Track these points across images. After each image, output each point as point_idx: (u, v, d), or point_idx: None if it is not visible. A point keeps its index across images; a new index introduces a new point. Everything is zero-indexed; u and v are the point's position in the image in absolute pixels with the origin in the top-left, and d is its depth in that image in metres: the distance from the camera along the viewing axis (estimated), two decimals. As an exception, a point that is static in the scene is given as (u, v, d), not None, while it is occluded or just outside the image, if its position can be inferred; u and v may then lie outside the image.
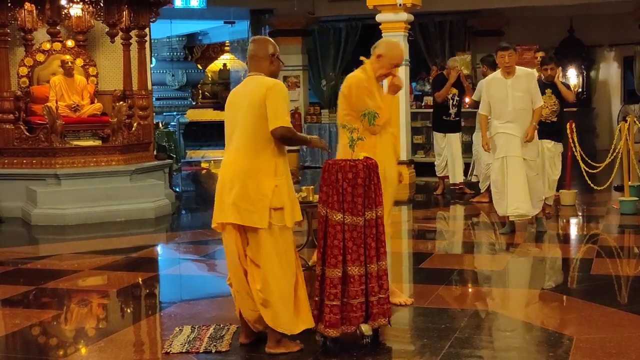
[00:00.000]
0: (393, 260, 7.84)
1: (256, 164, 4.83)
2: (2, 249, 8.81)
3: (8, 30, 10.93)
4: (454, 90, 11.98)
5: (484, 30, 17.78)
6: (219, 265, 8.11)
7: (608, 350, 4.89)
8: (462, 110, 12.57)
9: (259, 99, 4.83)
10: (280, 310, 4.86)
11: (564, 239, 9.22)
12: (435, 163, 12.37)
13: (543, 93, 8.98)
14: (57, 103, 11.01)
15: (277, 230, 4.84)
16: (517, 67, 8.61)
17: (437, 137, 12.32)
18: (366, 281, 4.96)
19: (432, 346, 5.07)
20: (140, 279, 7.46)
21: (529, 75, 8.63)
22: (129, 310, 6.63)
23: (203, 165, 19.19)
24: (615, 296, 6.48)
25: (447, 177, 12.26)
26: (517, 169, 8.44)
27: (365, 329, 4.99)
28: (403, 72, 13.70)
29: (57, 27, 11.65)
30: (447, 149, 12.06)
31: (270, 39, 5.19)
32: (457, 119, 12.15)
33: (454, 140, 12.12)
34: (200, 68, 25.07)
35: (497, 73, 8.72)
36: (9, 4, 10.65)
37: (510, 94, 8.45)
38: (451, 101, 11.99)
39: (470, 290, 6.80)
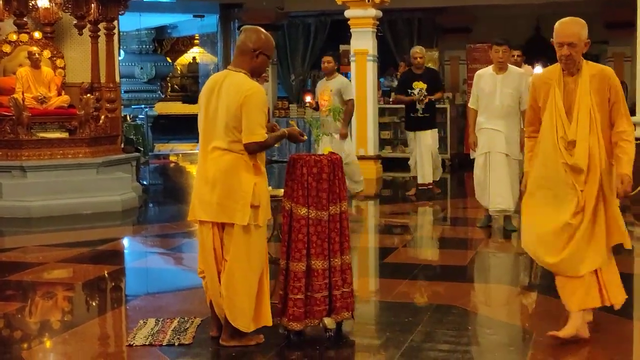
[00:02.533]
0: (358, 255, 7.92)
1: (237, 162, 4.80)
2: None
3: (-26, 21, 10.85)
4: (421, 85, 11.22)
5: (451, 27, 17.88)
6: (186, 258, 8.15)
7: (566, 346, 4.97)
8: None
9: (235, 108, 4.74)
10: (240, 306, 4.86)
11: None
12: (409, 162, 11.81)
13: None
14: (23, 95, 10.93)
15: (252, 228, 4.83)
16: (509, 65, 8.57)
17: (408, 135, 11.85)
18: (330, 275, 5.00)
19: (395, 340, 5.13)
20: (106, 272, 7.45)
21: (522, 75, 8.59)
22: (94, 303, 6.63)
23: (171, 158, 19.15)
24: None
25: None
26: (500, 164, 8.45)
27: (329, 322, 5.03)
28: (371, 68, 13.84)
29: (24, 19, 11.56)
30: (417, 148, 11.43)
31: (262, 31, 4.97)
32: (426, 115, 11.31)
33: (423, 138, 11.32)
34: (170, 61, 24.97)
35: (489, 68, 8.65)
36: (-25, -5, 10.57)
37: (499, 89, 8.41)
38: (417, 96, 11.20)
39: (433, 285, 6.87)
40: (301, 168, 4.93)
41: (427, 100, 11.17)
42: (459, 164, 15.31)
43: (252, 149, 4.79)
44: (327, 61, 10.51)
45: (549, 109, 5.00)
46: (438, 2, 16.63)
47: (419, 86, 11.18)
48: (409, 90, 11.22)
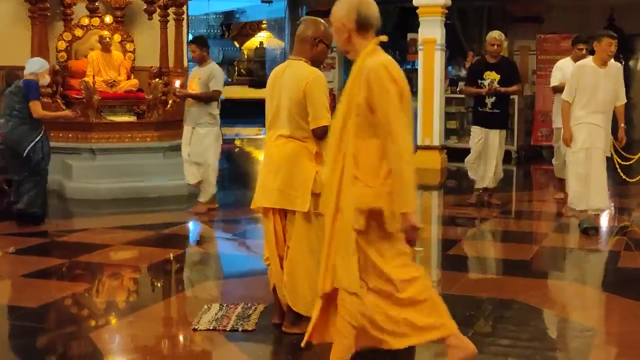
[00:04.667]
0: (421, 246, 7.89)
1: (300, 150, 4.83)
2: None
3: (48, 5, 11.05)
4: (493, 76, 9.74)
5: (522, 16, 17.63)
6: (251, 244, 8.22)
7: (629, 343, 4.90)
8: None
9: (297, 95, 4.79)
10: (302, 291, 4.89)
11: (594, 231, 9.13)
12: (466, 159, 10.22)
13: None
14: (94, 78, 11.12)
15: (313, 216, 4.83)
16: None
17: (473, 130, 10.09)
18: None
19: (456, 333, 5.10)
20: (171, 255, 7.56)
21: (619, 69, 8.32)
22: (159, 286, 6.75)
23: (236, 142, 19.30)
24: (641, 290, 6.48)
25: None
26: (600, 161, 8.16)
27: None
28: (439, 57, 13.72)
29: (96, 3, 11.76)
30: (485, 147, 9.87)
31: (321, 21, 4.97)
32: (496, 111, 9.75)
33: (491, 137, 9.81)
34: (237, 45, 25.16)
35: (589, 61, 8.27)
36: (50, -21, 10.78)
37: (602, 84, 8.10)
38: (487, 88, 9.71)
39: (496, 279, 6.82)
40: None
41: (496, 90, 9.65)
42: (525, 156, 15.13)
43: (321, 133, 4.79)
44: (192, 50, 9.38)
45: None
46: (510, -9, 16.41)
47: (491, 77, 9.74)
48: (480, 81, 9.80)
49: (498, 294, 6.11)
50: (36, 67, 8.65)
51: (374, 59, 3.88)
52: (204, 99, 9.16)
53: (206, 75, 9.18)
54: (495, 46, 9.71)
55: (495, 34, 9.79)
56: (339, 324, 4.03)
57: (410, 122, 4.00)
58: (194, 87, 9.24)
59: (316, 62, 5.01)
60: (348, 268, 3.92)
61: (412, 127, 4.08)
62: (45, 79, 8.86)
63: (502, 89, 9.66)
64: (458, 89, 15.32)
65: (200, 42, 9.37)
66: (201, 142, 9.22)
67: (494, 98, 9.68)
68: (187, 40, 12.62)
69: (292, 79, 4.86)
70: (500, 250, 8.17)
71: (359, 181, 3.88)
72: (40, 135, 8.49)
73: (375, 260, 3.93)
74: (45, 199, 8.69)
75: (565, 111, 8.32)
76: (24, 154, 8.38)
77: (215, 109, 9.26)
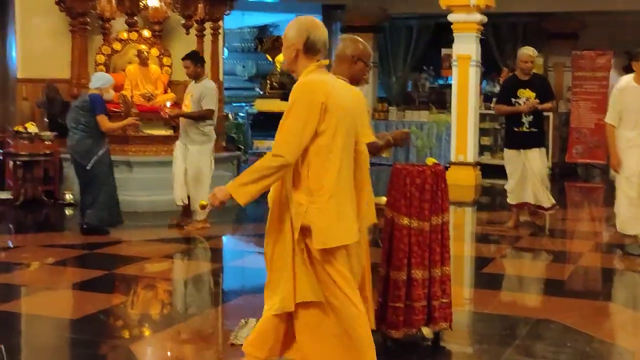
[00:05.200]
0: (454, 264, 7.88)
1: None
2: (75, 233, 9.05)
3: (88, 19, 11.23)
4: (528, 93, 9.29)
5: (557, 33, 17.56)
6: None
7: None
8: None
9: (358, 113, 4.53)
10: None
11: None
12: (506, 187, 9.72)
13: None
14: (132, 91, 11.26)
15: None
16: None
17: (507, 154, 9.57)
18: (429, 285, 5.03)
19: (492, 352, 5.13)
20: (206, 269, 7.63)
21: None
22: (194, 300, 6.80)
23: (269, 156, 19.33)
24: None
25: (523, 204, 9.65)
26: None
27: (427, 332, 5.07)
28: (473, 73, 13.71)
29: (135, 17, 11.90)
30: (521, 170, 9.39)
31: (359, 40, 4.94)
32: (534, 130, 9.33)
33: (530, 158, 9.32)
34: (270, 59, 25.27)
35: (630, 79, 8.07)
36: (90, -6, 10.95)
37: None
38: (523, 106, 9.25)
39: (532, 298, 6.80)
40: (404, 178, 4.97)
41: (535, 108, 9.22)
42: (559, 174, 15.04)
43: (370, 148, 4.80)
44: (185, 66, 9.19)
45: None
46: (546, 7, 16.25)
47: (526, 95, 9.26)
48: (513, 100, 9.36)
49: (534, 314, 6.10)
50: (101, 83, 8.92)
51: (304, 77, 4.03)
52: (195, 117, 9.08)
53: (198, 93, 9.08)
54: (528, 63, 9.36)
55: (528, 51, 9.44)
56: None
57: (348, 132, 4.06)
58: (187, 104, 9.20)
59: (355, 79, 5.03)
60: None
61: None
62: (110, 94, 9.13)
63: (540, 106, 9.28)
64: (492, 107, 15.26)
65: (194, 57, 9.26)
66: (194, 160, 9.12)
67: (531, 117, 9.27)
68: (223, 54, 12.72)
69: (352, 99, 4.86)
70: (536, 269, 8.14)
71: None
72: (105, 148, 8.80)
73: None
74: (111, 210, 8.89)
75: (611, 135, 8.10)
76: (89, 167, 8.64)
77: (207, 126, 9.18)
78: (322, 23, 4.14)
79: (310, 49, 4.06)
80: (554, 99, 9.97)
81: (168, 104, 9.97)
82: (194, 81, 9.24)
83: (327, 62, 4.14)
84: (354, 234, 4.01)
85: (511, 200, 9.65)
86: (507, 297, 6.63)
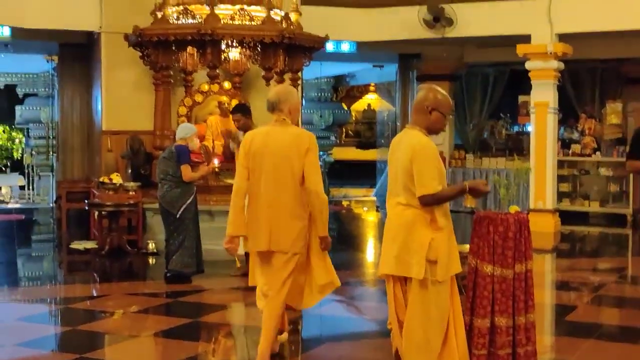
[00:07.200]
0: (537, 311, 7.79)
1: (415, 217, 4.88)
2: (158, 281, 9.24)
3: (171, 72, 11.58)
4: None
5: (636, 77, 17.33)
6: (362, 306, 8.29)
7: None
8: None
9: (406, 163, 4.85)
10: (417, 358, 4.91)
11: None
12: None
13: None
14: (213, 142, 11.50)
15: (429, 283, 4.85)
16: None
17: None
18: (514, 333, 5.01)
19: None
20: (286, 317, 7.68)
21: None
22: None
23: (344, 203, 19.46)
24: None
25: None
26: None
27: (512, 380, 5.03)
28: (551, 120, 13.63)
29: (216, 70, 12.18)
30: None
31: (437, 90, 5.02)
32: None
33: None
34: (346, 108, 25.52)
35: None
36: (173, 48, 11.26)
37: None
38: None
39: (617, 346, 6.68)
40: (487, 226, 4.99)
41: None
42: (641, 220, 14.76)
43: (425, 202, 4.84)
44: (236, 119, 9.43)
45: None
46: (623, 52, 16.11)
47: None
48: None
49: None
50: (184, 132, 9.23)
51: None
52: None
53: None
54: None
55: None
56: None
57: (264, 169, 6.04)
58: None
59: (432, 130, 5.06)
60: None
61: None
62: (194, 142, 9.39)
63: None
64: (570, 152, 15.17)
65: (244, 110, 9.45)
66: None
67: None
68: (302, 103, 12.91)
69: (403, 148, 4.97)
70: (620, 316, 7.99)
71: None
72: (192, 196, 9.09)
73: None
74: (195, 257, 9.07)
75: None
76: (178, 215, 8.90)
77: None
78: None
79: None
80: None
81: (216, 161, 10.08)
82: (242, 132, 9.22)
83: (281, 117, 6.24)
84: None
85: None
86: (592, 345, 6.51)
